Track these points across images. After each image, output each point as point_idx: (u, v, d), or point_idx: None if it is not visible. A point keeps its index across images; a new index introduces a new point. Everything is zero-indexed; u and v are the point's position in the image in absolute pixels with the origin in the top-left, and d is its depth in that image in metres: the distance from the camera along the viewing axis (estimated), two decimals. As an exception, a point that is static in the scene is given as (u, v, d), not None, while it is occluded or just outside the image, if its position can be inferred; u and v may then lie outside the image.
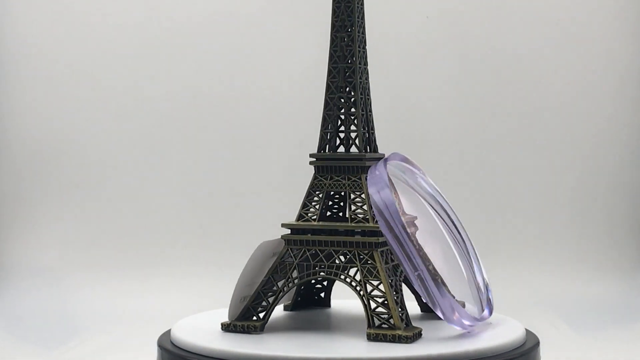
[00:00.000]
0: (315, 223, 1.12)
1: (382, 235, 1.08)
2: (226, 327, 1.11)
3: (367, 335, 1.05)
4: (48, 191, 1.98)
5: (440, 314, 1.06)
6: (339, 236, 1.11)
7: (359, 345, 1.03)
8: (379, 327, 1.05)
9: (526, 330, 1.14)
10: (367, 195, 1.11)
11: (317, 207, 1.14)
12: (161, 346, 1.10)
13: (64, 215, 1.97)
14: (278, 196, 1.92)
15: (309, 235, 1.13)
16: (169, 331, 1.15)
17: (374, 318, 1.06)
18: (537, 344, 1.11)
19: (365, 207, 1.11)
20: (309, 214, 1.14)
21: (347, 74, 1.14)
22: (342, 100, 1.14)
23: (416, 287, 1.06)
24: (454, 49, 2.04)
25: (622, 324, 1.84)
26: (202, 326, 1.14)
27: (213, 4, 2.01)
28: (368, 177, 1.09)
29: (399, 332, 1.04)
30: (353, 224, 1.10)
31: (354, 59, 1.14)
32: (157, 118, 2.00)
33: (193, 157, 2.00)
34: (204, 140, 2.00)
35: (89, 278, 1.92)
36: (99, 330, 1.77)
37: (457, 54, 2.04)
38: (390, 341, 1.03)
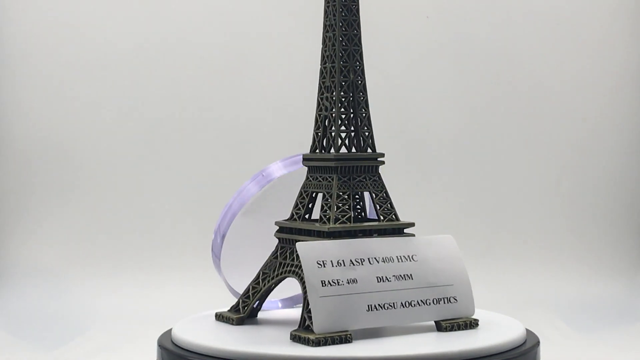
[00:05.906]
0: (299, 222, 1.13)
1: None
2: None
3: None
4: (48, 191, 1.98)
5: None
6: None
7: (360, 344, 1.03)
8: None
9: (526, 330, 1.14)
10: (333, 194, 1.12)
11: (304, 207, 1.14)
12: (161, 346, 1.10)
13: (64, 215, 1.97)
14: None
15: (294, 234, 1.13)
16: (169, 331, 1.15)
17: None
18: (537, 343, 1.11)
19: (348, 206, 1.10)
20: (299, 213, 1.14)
21: (341, 74, 1.14)
22: (334, 100, 1.13)
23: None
24: (454, 48, 2.04)
25: (622, 324, 1.84)
26: (203, 326, 1.14)
27: (213, 4, 2.01)
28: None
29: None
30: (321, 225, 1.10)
31: (344, 58, 1.13)
32: (156, 118, 2.00)
33: (193, 157, 2.00)
34: (203, 141, 2.00)
35: (89, 278, 1.92)
36: (99, 330, 1.77)
37: (457, 53, 2.04)
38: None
